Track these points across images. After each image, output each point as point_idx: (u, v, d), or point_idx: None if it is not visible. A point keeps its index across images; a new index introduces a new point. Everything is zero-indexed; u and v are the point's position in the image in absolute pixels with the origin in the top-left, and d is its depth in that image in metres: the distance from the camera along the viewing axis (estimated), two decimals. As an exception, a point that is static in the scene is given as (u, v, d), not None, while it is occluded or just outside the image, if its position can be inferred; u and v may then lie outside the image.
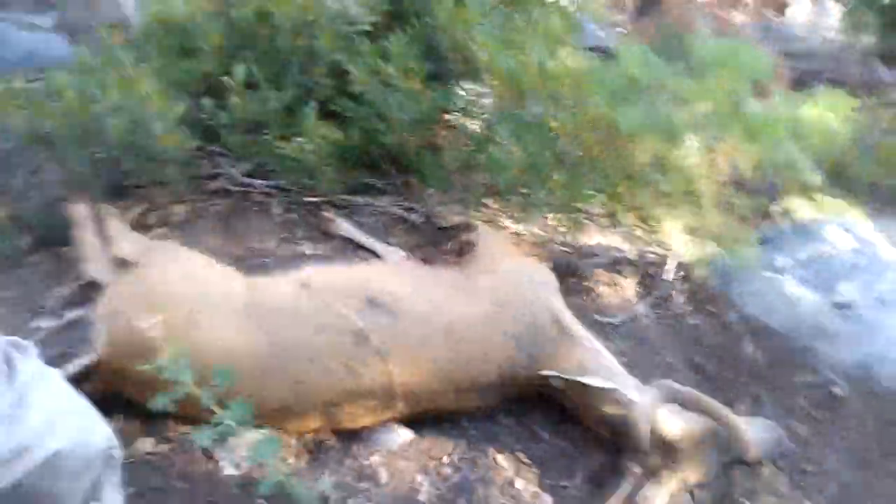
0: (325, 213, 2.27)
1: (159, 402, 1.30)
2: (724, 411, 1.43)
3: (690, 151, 1.98)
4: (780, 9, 11.11)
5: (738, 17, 7.47)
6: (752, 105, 2.05)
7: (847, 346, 1.80)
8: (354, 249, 2.14)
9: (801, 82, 4.08)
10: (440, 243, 2.24)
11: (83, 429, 1.09)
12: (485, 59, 2.27)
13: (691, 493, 1.49)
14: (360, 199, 2.40)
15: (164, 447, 1.51)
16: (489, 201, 2.42)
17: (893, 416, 1.71)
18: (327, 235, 2.21)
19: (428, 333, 1.54)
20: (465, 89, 2.56)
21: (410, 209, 2.37)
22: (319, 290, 1.60)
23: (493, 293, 1.64)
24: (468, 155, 2.40)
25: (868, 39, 7.19)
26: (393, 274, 1.73)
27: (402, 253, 2.08)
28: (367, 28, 2.40)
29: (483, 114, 2.50)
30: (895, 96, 3.83)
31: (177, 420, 1.55)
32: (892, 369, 1.75)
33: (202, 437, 1.30)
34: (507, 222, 2.39)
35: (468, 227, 2.27)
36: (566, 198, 1.99)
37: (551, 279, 1.77)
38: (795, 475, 1.56)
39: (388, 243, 2.15)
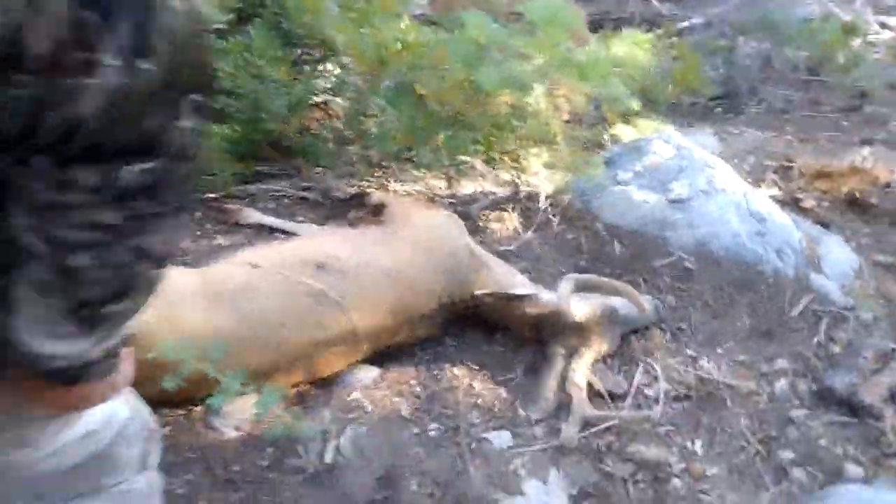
0: (228, 206, 2.42)
1: (171, 384, 1.47)
2: (621, 285, 1.85)
3: (538, 98, 2.38)
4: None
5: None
6: (578, 52, 2.49)
7: (687, 231, 2.30)
8: (269, 233, 2.33)
9: (594, 24, 4.69)
10: (342, 214, 2.48)
11: (135, 399, 1.25)
12: (342, 41, 2.52)
13: (604, 361, 1.92)
14: (255, 188, 2.57)
15: (165, 429, 1.67)
16: (374, 169, 2.70)
17: (729, 277, 2.23)
18: (238, 225, 2.37)
19: (374, 281, 1.81)
20: (327, 71, 2.79)
21: (306, 188, 2.58)
22: (268, 266, 1.80)
23: (416, 240, 1.94)
24: (343, 130, 2.65)
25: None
26: (327, 241, 1.96)
27: (315, 227, 2.31)
28: (223, 26, 2.54)
29: (349, 91, 2.74)
30: (674, 28, 4.53)
31: (163, 405, 1.70)
32: (721, 243, 2.28)
33: (216, 400, 1.50)
34: (394, 185, 2.67)
35: (362, 195, 2.53)
36: (448, 153, 2.32)
37: (458, 222, 2.09)
38: (674, 332, 2.04)
39: (296, 222, 2.37)
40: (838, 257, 2.38)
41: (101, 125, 0.53)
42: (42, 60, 0.49)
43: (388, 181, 2.69)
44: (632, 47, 2.46)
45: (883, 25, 5.59)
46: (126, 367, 0.87)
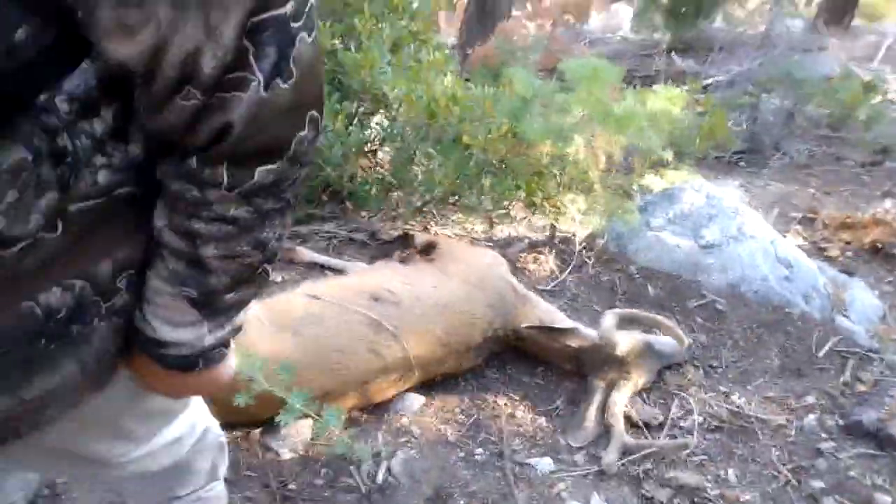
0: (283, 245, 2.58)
1: (241, 400, 1.60)
2: (661, 318, 1.97)
3: (577, 148, 2.54)
4: (581, 16, 12.41)
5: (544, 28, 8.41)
6: (615, 106, 2.66)
7: (718, 274, 2.42)
8: (321, 270, 2.48)
9: (623, 81, 4.90)
10: (387, 255, 2.63)
11: (208, 413, 1.36)
12: (394, 95, 2.72)
13: (641, 394, 2.02)
14: (306, 229, 2.74)
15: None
16: (417, 213, 2.86)
17: (758, 319, 2.34)
18: (293, 263, 2.53)
19: (426, 313, 1.95)
20: (377, 123, 2.99)
21: (354, 230, 2.75)
22: (328, 298, 1.95)
23: (464, 275, 2.08)
24: (390, 177, 2.83)
25: (658, 36, 8.41)
26: (381, 275, 2.10)
27: (363, 265, 2.46)
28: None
29: (397, 141, 2.93)
30: (699, 84, 4.72)
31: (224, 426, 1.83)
32: (750, 286, 2.39)
33: (284, 418, 1.62)
34: (435, 228, 2.83)
35: (406, 237, 2.69)
36: (492, 197, 2.48)
37: (502, 261, 2.24)
38: (707, 369, 2.14)
39: (345, 261, 2.52)
40: (863, 302, 2.48)
41: (243, 131, 0.68)
42: (211, 79, 0.63)
43: (430, 225, 2.85)
44: (665, 102, 2.62)
45: (903, 84, 5.75)
46: (231, 361, 0.98)
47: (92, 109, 0.64)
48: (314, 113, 0.70)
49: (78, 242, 0.68)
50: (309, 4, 0.64)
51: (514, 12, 8.33)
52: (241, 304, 0.83)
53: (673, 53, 6.98)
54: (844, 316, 2.39)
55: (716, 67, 5.70)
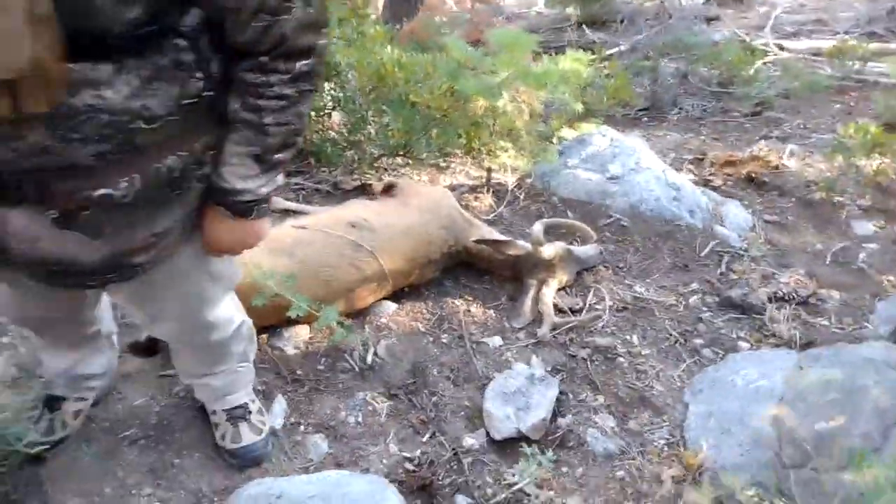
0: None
1: (259, 301, 2.04)
2: (576, 222, 2.54)
3: (505, 102, 3.06)
4: (497, -6, 12.90)
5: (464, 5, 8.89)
6: (533, 67, 3.18)
7: (622, 199, 2.99)
8: (294, 215, 2.91)
9: (537, 51, 5.45)
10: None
11: (243, 310, 1.80)
12: (347, 63, 3.17)
13: (565, 289, 2.57)
14: (277, 184, 3.15)
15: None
16: (371, 166, 3.32)
17: (654, 230, 2.92)
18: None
19: (394, 236, 2.42)
20: (329, 90, 3.41)
21: (319, 182, 3.18)
22: (313, 227, 2.40)
23: (421, 206, 2.56)
24: (347, 136, 3.28)
25: (572, 10, 8.99)
26: (355, 208, 2.56)
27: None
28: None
29: (349, 104, 3.35)
30: (604, 52, 5.32)
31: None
32: (647, 206, 2.98)
33: (294, 311, 2.07)
34: (388, 178, 3.30)
35: (363, 186, 3.15)
36: (438, 145, 2.97)
37: (450, 194, 2.74)
38: (615, 269, 2.71)
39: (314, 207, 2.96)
40: (736, 216, 3.11)
41: (291, 39, 1.13)
42: (273, 8, 1.07)
43: (384, 176, 3.32)
44: (574, 63, 3.15)
45: (781, 48, 6.53)
46: (267, 223, 1.39)
47: (199, 38, 1.09)
48: (324, 30, 1.17)
49: (184, 127, 1.12)
50: None
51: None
52: (283, 164, 1.28)
53: (584, 26, 7.59)
54: (721, 226, 3.01)
55: (621, 37, 6.30)
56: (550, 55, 4.60)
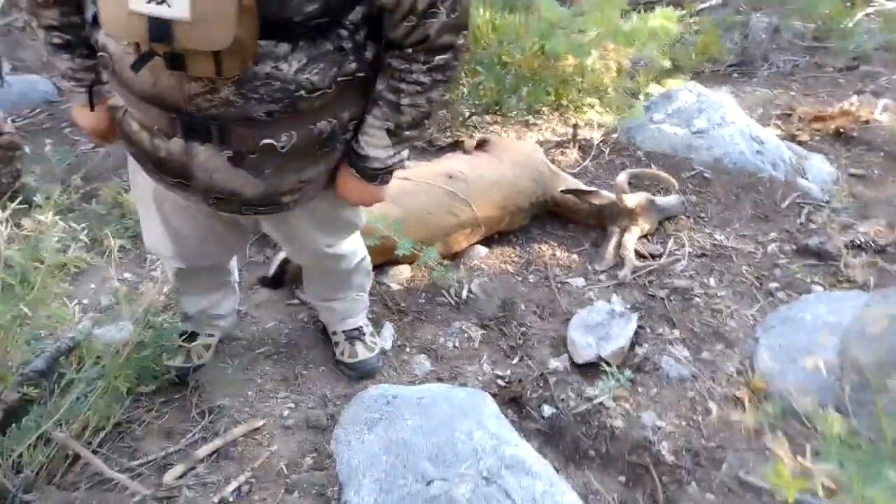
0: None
1: (371, 241, 2.34)
2: (661, 173, 2.70)
3: (594, 60, 3.21)
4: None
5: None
6: (623, 24, 3.31)
7: (706, 152, 3.12)
8: (396, 168, 3.19)
9: (629, 7, 5.49)
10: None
11: (365, 247, 2.10)
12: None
13: (647, 237, 2.75)
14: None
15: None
16: (464, 124, 3.56)
17: (736, 182, 3.04)
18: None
19: (487, 186, 2.66)
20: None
21: (416, 139, 3.45)
22: (415, 178, 2.67)
23: (512, 159, 2.78)
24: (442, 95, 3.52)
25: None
26: (452, 162, 2.81)
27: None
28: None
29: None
30: (695, 7, 5.30)
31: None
32: (731, 159, 3.09)
33: (401, 249, 2.34)
34: (480, 135, 3.52)
35: (457, 143, 3.39)
36: (528, 102, 3.17)
37: (539, 148, 2.95)
38: (696, 219, 2.86)
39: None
40: (820, 169, 3.17)
41: (434, 38, 1.36)
42: (422, 12, 1.29)
43: (474, 134, 3.55)
44: (663, 20, 3.25)
45: (888, -2, 6.26)
46: (388, 189, 1.65)
47: (358, 30, 1.34)
48: (465, 32, 1.39)
49: (337, 98, 1.37)
50: None
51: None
52: (410, 140, 1.54)
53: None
54: (804, 178, 3.09)
55: (713, -8, 6.22)
56: (640, 12, 4.69)
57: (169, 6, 1.05)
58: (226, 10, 1.06)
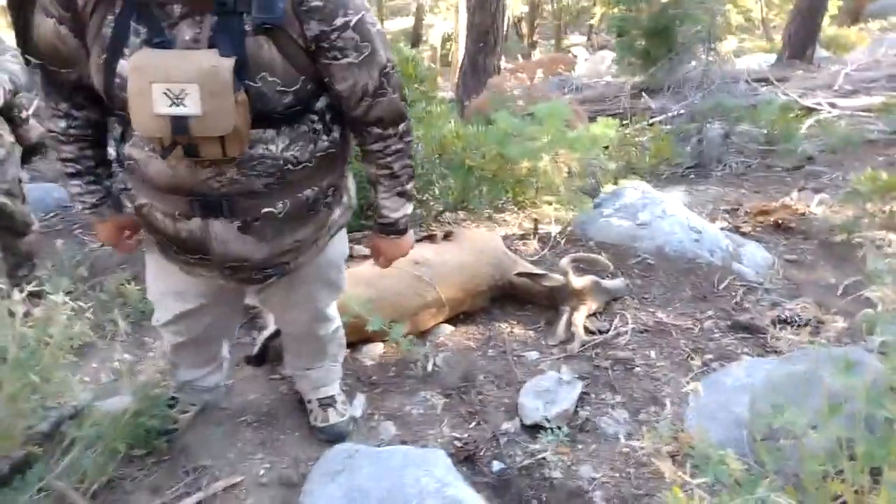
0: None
1: (346, 317, 2.63)
2: (597, 256, 3.03)
3: (546, 163, 3.63)
4: (569, 67, 13.75)
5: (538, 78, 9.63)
6: (570, 133, 3.75)
7: (649, 241, 3.47)
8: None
9: (593, 116, 6.03)
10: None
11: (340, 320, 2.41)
12: (416, 137, 3.83)
13: (595, 315, 3.05)
14: (360, 234, 3.80)
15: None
16: (436, 219, 3.93)
17: (677, 267, 3.37)
18: (352, 258, 3.58)
19: (450, 271, 2.98)
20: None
21: (393, 234, 3.81)
22: (386, 266, 2.99)
23: (473, 247, 3.13)
24: (416, 195, 3.91)
25: (636, 79, 9.53)
26: (420, 250, 3.14)
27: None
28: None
29: (418, 169, 4.00)
30: (648, 116, 5.84)
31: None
32: (671, 247, 3.44)
33: (373, 325, 2.63)
34: (448, 227, 3.89)
35: (430, 235, 3.75)
36: (490, 200, 3.55)
37: (498, 238, 3.30)
38: (640, 299, 3.17)
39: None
40: (755, 255, 3.52)
41: (388, 113, 1.69)
42: (371, 94, 1.63)
43: (446, 226, 3.92)
44: (603, 129, 3.70)
45: (833, 106, 6.85)
46: (411, 236, 2.03)
47: (324, 115, 1.70)
48: (404, 101, 1.73)
49: (316, 170, 1.72)
50: (394, 61, 1.68)
51: (505, 64, 9.55)
52: (414, 191, 1.90)
53: (643, 93, 8.14)
54: (740, 264, 3.43)
55: (674, 102, 6.81)
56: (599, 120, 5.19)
57: (185, 106, 1.40)
58: (226, 105, 1.41)
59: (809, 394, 2.13)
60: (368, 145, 1.74)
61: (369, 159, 1.77)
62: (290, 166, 1.61)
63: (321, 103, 1.64)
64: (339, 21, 1.48)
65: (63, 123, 1.69)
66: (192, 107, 1.39)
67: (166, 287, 2.00)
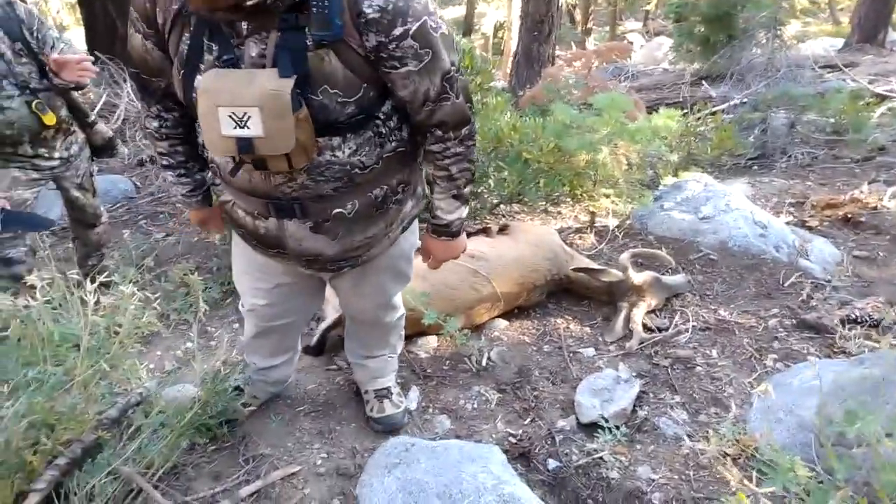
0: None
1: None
2: (658, 252, 2.95)
3: (605, 155, 3.56)
4: (624, 55, 13.52)
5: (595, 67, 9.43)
6: (630, 125, 3.67)
7: (712, 236, 3.37)
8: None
9: (651, 105, 5.89)
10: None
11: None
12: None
13: (654, 312, 2.99)
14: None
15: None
16: (491, 212, 3.91)
17: (741, 263, 3.27)
18: (407, 249, 3.59)
19: (506, 265, 2.97)
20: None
21: (448, 226, 3.80)
22: (441, 259, 2.99)
23: (529, 241, 3.10)
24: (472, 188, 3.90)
25: (695, 66, 9.27)
26: (476, 244, 3.12)
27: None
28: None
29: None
30: (710, 105, 5.67)
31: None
32: (735, 242, 3.34)
33: (428, 319, 2.64)
34: (503, 220, 3.86)
35: (485, 229, 3.73)
36: (547, 193, 3.51)
37: (554, 231, 3.26)
38: (702, 296, 3.09)
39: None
40: (822, 251, 3.38)
41: (451, 117, 1.66)
42: (434, 99, 1.61)
43: (501, 219, 3.89)
44: (666, 120, 3.60)
45: (907, 93, 6.53)
46: (464, 238, 1.99)
47: (390, 118, 1.70)
48: (469, 105, 1.70)
49: (385, 170, 1.73)
50: (459, 63, 1.66)
51: (559, 52, 9.41)
52: (470, 195, 1.88)
53: (703, 81, 7.92)
54: (807, 260, 3.30)
55: (736, 90, 6.60)
56: (658, 111, 5.07)
57: (249, 129, 1.45)
58: (287, 126, 1.45)
59: (883, 398, 2.04)
60: (429, 146, 1.72)
61: (428, 159, 1.76)
62: (357, 170, 1.64)
63: (386, 107, 1.64)
64: (397, 31, 1.47)
65: (155, 123, 1.82)
66: (255, 128, 1.45)
67: (249, 267, 2.09)
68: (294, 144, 1.47)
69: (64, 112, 2.76)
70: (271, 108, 1.42)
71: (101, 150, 3.01)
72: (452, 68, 1.58)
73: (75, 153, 2.87)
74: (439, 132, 1.67)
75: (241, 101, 1.43)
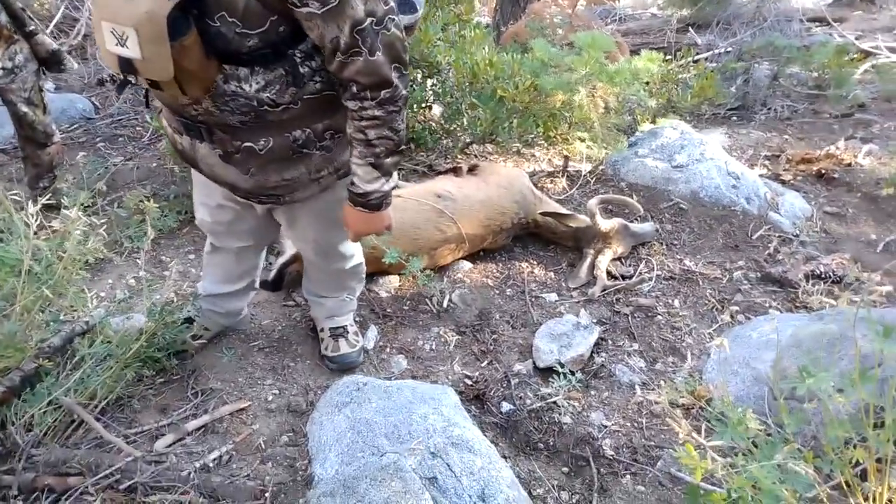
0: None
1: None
2: (627, 198, 2.90)
3: (582, 97, 3.45)
4: (613, -4, 13.13)
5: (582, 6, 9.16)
6: (610, 66, 3.55)
7: (684, 185, 3.32)
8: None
9: (636, 49, 5.73)
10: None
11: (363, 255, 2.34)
12: (446, 62, 3.66)
13: (620, 259, 2.95)
14: (382, 164, 3.70)
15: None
16: (463, 151, 3.81)
17: (711, 214, 3.24)
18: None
19: (472, 206, 2.89)
20: (432, 85, 3.93)
21: (417, 163, 3.70)
22: (408, 196, 2.91)
23: (498, 182, 3.02)
24: (443, 125, 3.78)
25: (684, 12, 9.06)
26: (443, 182, 3.05)
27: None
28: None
29: (447, 97, 3.85)
30: (694, 51, 5.54)
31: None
32: (707, 192, 3.29)
33: (388, 258, 2.58)
34: (476, 161, 3.77)
35: (455, 168, 3.63)
36: (519, 133, 3.41)
37: (524, 173, 3.18)
38: (669, 245, 3.05)
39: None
40: (793, 205, 3.36)
41: (364, 76, 1.50)
42: (343, 52, 1.47)
43: (472, 157, 3.80)
44: (647, 62, 3.49)
45: (893, 50, 6.44)
46: (389, 212, 1.83)
47: (311, 57, 1.58)
48: (397, 65, 1.54)
49: (307, 112, 1.62)
50: (387, 16, 1.48)
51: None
52: (394, 167, 1.73)
53: (690, 28, 7.74)
54: (777, 213, 3.27)
55: (722, 38, 6.46)
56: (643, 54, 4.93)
57: (128, 49, 1.39)
58: (163, 52, 1.37)
59: (838, 355, 2.03)
60: (345, 100, 1.56)
61: (346, 115, 1.60)
62: (266, 107, 1.56)
63: (305, 46, 1.52)
64: None
65: None
66: (133, 50, 1.40)
67: (197, 181, 2.05)
68: (172, 73, 1.40)
69: (3, 18, 2.58)
70: (146, 31, 1.36)
71: (49, 63, 2.83)
72: (369, 20, 1.43)
73: (20, 63, 2.70)
74: (354, 89, 1.52)
75: (119, 19, 1.38)
